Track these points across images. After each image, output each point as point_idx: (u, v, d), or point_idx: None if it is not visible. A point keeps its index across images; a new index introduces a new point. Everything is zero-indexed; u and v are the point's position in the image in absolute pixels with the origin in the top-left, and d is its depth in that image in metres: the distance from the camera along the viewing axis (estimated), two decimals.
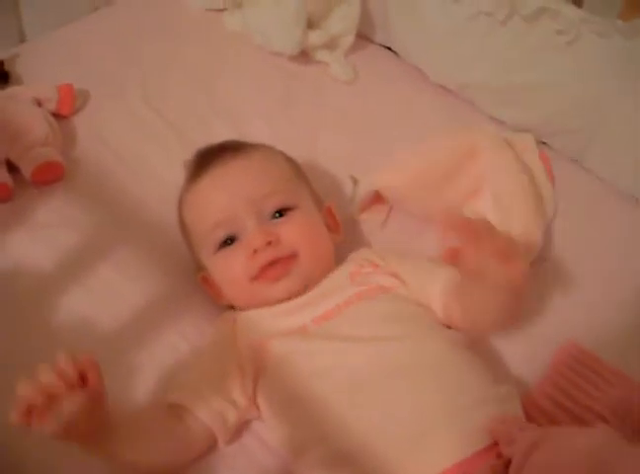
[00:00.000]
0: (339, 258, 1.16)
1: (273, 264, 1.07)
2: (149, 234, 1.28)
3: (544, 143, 1.42)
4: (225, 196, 1.11)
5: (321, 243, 1.13)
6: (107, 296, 1.19)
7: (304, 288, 1.08)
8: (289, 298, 1.08)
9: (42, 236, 1.27)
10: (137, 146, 1.43)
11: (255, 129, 1.45)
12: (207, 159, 1.16)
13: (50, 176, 1.34)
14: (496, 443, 0.89)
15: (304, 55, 1.59)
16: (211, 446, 1.01)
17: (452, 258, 0.91)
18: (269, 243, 1.07)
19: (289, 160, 1.20)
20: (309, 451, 0.95)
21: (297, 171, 1.19)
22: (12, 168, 1.35)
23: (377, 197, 1.27)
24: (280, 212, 1.11)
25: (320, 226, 1.15)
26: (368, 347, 1.00)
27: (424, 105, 1.51)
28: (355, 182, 1.30)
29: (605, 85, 1.29)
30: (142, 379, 1.09)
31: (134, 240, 1.27)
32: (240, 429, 1.04)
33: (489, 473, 0.87)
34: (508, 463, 0.87)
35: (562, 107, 1.36)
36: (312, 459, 0.95)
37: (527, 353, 1.13)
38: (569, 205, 1.32)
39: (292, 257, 1.08)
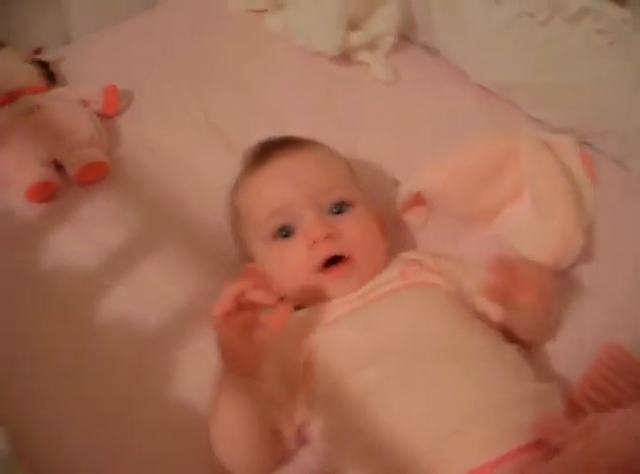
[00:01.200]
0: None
1: (334, 262, 1.07)
2: (191, 233, 1.29)
3: (587, 144, 1.41)
4: (286, 185, 1.10)
5: (377, 243, 1.12)
6: (149, 294, 1.21)
7: (362, 286, 1.08)
8: (348, 294, 1.08)
9: (86, 234, 1.29)
10: (180, 147, 1.44)
11: (296, 130, 1.43)
12: (270, 149, 1.16)
13: (96, 176, 1.36)
14: (537, 443, 0.88)
15: (345, 56, 1.59)
16: None
17: (491, 294, 0.98)
18: (328, 235, 1.06)
19: (345, 160, 1.20)
20: (346, 445, 0.95)
21: (352, 172, 1.19)
22: (58, 167, 1.37)
23: (418, 199, 1.27)
24: (340, 209, 1.10)
25: (375, 229, 1.14)
26: (412, 326, 1.00)
27: (465, 106, 1.50)
28: (396, 183, 1.30)
29: None
30: (185, 377, 1.10)
31: (177, 239, 1.28)
32: None
33: (530, 464, 0.86)
34: (556, 451, 0.85)
35: (603, 107, 1.35)
36: (349, 452, 0.95)
37: (570, 353, 1.12)
38: (611, 206, 1.31)
39: (351, 258, 1.07)
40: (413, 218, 1.30)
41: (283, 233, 1.09)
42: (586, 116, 1.38)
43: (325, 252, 1.06)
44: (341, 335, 1.03)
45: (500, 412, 0.91)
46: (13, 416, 1.05)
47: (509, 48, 1.42)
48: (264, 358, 0.94)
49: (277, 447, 1.00)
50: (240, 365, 0.94)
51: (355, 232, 1.08)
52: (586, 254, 1.22)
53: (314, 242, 1.06)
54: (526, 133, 1.30)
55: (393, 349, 0.98)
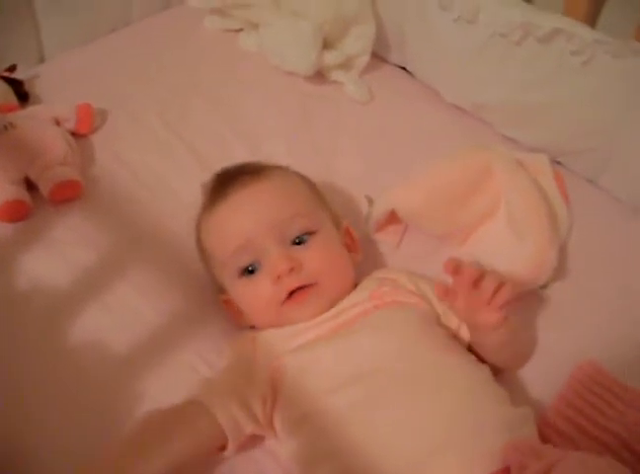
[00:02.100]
0: (357, 277, 1.16)
1: (297, 289, 1.07)
2: (166, 253, 1.28)
3: (559, 163, 1.42)
4: (246, 220, 1.09)
5: (342, 266, 1.13)
6: (124, 315, 1.19)
7: (328, 309, 1.08)
8: (315, 317, 1.08)
9: (60, 254, 1.28)
10: (155, 166, 1.43)
11: (272, 149, 1.45)
12: (226, 183, 1.14)
13: (69, 194, 1.35)
14: (508, 468, 0.88)
15: (320, 75, 1.60)
16: (219, 450, 1.01)
17: (444, 294, 1.00)
18: (292, 269, 1.06)
19: (306, 181, 1.19)
20: (321, 467, 0.95)
21: (315, 192, 1.19)
22: (30, 186, 1.36)
23: (392, 217, 1.27)
24: (301, 239, 1.09)
25: (341, 249, 1.14)
26: (384, 353, 1.00)
27: (439, 125, 1.51)
28: (370, 201, 1.30)
29: (621, 105, 1.29)
30: (160, 399, 1.08)
31: (151, 259, 1.28)
32: (253, 443, 1.04)
33: None
34: None
35: (577, 127, 1.36)
36: None
37: (544, 372, 1.12)
38: (584, 225, 1.32)
39: (314, 284, 1.08)
40: (387, 238, 1.30)
41: (249, 269, 1.09)
42: (559, 135, 1.39)
43: (288, 285, 1.07)
44: (311, 359, 1.02)
45: (473, 437, 0.91)
46: None
47: (482, 69, 1.44)
48: None
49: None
50: None
51: (318, 260, 1.08)
52: (558, 273, 1.23)
53: (278, 277, 1.06)
54: (500, 152, 1.30)
55: (366, 373, 0.98)
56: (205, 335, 1.17)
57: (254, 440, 1.04)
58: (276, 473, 1.03)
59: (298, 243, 1.09)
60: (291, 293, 1.07)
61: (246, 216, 1.10)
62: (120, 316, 1.19)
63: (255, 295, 1.09)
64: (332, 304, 1.08)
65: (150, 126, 1.51)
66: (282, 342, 1.06)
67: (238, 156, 1.41)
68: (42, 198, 1.35)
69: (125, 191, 1.39)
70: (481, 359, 1.06)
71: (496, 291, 0.98)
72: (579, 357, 1.12)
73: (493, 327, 1.01)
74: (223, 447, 1.01)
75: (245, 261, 1.09)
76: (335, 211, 1.21)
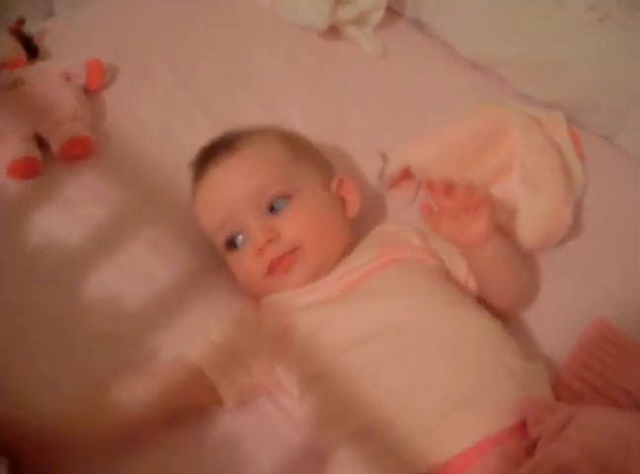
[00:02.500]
0: (365, 231, 1.17)
1: (279, 259, 1.08)
2: (178, 210, 1.28)
3: (574, 120, 1.40)
4: (222, 198, 1.12)
5: (327, 227, 1.12)
6: (136, 272, 1.20)
7: (318, 273, 1.09)
8: (309, 283, 1.09)
9: (71, 211, 1.27)
10: (166, 121, 1.42)
11: (284, 105, 1.44)
12: (203, 162, 1.16)
13: (79, 151, 1.34)
14: (524, 422, 0.89)
15: (334, 31, 1.57)
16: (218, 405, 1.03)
17: (428, 215, 1.02)
18: (270, 240, 1.07)
19: (287, 141, 1.18)
20: (336, 425, 0.96)
21: (296, 152, 1.17)
22: (41, 143, 1.35)
23: (407, 174, 1.27)
24: (278, 205, 1.10)
25: (325, 208, 1.14)
26: (397, 311, 1.00)
27: (453, 80, 1.50)
28: (384, 158, 1.29)
29: (637, 61, 1.27)
30: (171, 355, 1.09)
31: (163, 216, 1.27)
32: (267, 403, 1.06)
33: (514, 452, 0.87)
34: (534, 444, 0.86)
35: (593, 84, 1.35)
36: (339, 433, 0.95)
37: (557, 330, 1.13)
38: (599, 182, 1.31)
39: (296, 250, 1.08)
40: (401, 194, 1.29)
41: (234, 243, 1.11)
42: (574, 92, 1.38)
43: (269, 256, 1.08)
44: (323, 318, 1.03)
45: (488, 393, 0.91)
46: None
47: (497, 24, 1.42)
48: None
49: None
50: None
51: (296, 226, 1.09)
52: (573, 231, 1.22)
53: (260, 250, 1.07)
54: (515, 108, 1.29)
55: (379, 331, 0.98)
56: (217, 291, 1.18)
57: (268, 397, 1.05)
58: (291, 432, 1.03)
59: (275, 210, 1.10)
60: (273, 266, 1.08)
61: (221, 194, 1.12)
62: (132, 273, 1.20)
63: (241, 268, 1.12)
64: (320, 267, 1.09)
65: (161, 82, 1.50)
66: (290, 301, 1.07)
67: (249, 112, 1.41)
68: (53, 155, 1.34)
69: (136, 147, 1.38)
70: (491, 312, 1.06)
71: (469, 195, 1.00)
72: (592, 315, 1.12)
73: (480, 237, 1.02)
74: (217, 402, 1.03)
75: (227, 235, 1.12)
76: (326, 167, 1.20)
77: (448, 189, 1.00)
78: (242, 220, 1.10)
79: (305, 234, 1.09)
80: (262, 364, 1.03)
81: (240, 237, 1.11)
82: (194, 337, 1.08)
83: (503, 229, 1.19)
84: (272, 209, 1.10)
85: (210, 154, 1.16)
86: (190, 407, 1.03)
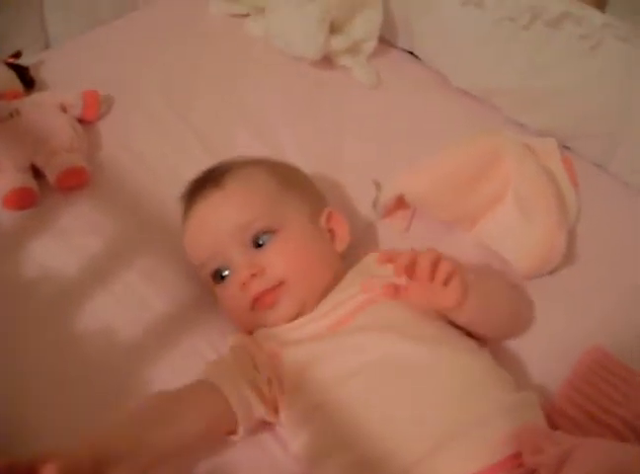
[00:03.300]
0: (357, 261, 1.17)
1: (263, 294, 1.08)
2: (174, 240, 1.27)
3: (568, 148, 1.41)
4: (208, 233, 1.12)
5: (312, 260, 1.11)
6: (131, 302, 1.19)
7: (304, 308, 1.09)
8: (294, 319, 1.09)
9: (67, 242, 1.27)
10: (161, 152, 1.43)
11: (278, 135, 1.45)
12: (191, 196, 1.17)
13: (75, 181, 1.35)
14: (516, 455, 0.88)
15: (327, 61, 1.58)
16: (227, 434, 1.02)
17: (394, 293, 0.97)
18: (253, 275, 1.07)
19: (276, 173, 1.17)
20: (328, 459, 0.95)
21: (284, 185, 1.16)
22: (37, 173, 1.35)
23: (400, 203, 1.27)
24: (263, 240, 1.10)
25: (312, 242, 1.13)
26: (386, 346, 0.99)
27: (446, 109, 1.50)
28: (378, 186, 1.30)
29: (630, 89, 1.28)
30: (168, 385, 1.07)
31: (159, 246, 1.27)
32: (263, 431, 1.05)
33: None
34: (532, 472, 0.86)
35: (586, 111, 1.35)
36: (331, 468, 0.95)
37: (550, 358, 1.12)
38: (593, 210, 1.31)
39: (280, 285, 1.08)
40: (395, 222, 1.29)
41: (219, 276, 1.12)
42: (568, 119, 1.38)
43: (253, 291, 1.08)
44: (312, 356, 1.02)
45: (478, 426, 0.91)
46: None
47: (490, 53, 1.43)
48: None
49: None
50: None
51: (280, 261, 1.09)
52: (567, 258, 1.22)
53: (243, 284, 1.08)
54: (508, 136, 1.29)
55: (368, 366, 0.98)
56: (213, 321, 1.17)
57: (264, 427, 1.05)
58: (287, 462, 1.03)
59: (260, 245, 1.10)
60: (257, 300, 1.08)
61: (207, 228, 1.12)
62: (128, 303, 1.19)
63: (227, 301, 1.12)
64: (305, 302, 1.09)
65: (156, 112, 1.51)
66: (279, 335, 1.07)
67: (244, 141, 1.42)
68: (49, 186, 1.34)
69: (132, 177, 1.38)
70: (480, 341, 1.06)
71: (434, 268, 0.96)
72: (586, 343, 1.12)
73: (453, 307, 0.99)
74: (232, 432, 1.01)
75: (214, 267, 1.12)
76: (316, 200, 1.20)
77: (411, 265, 0.96)
78: (227, 254, 1.10)
79: (290, 268, 1.08)
80: (267, 391, 1.02)
81: (227, 271, 1.11)
82: (198, 364, 1.08)
83: (496, 257, 1.20)
84: (257, 244, 1.10)
85: (198, 187, 1.16)
86: (204, 437, 1.01)
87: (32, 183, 1.33)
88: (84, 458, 0.84)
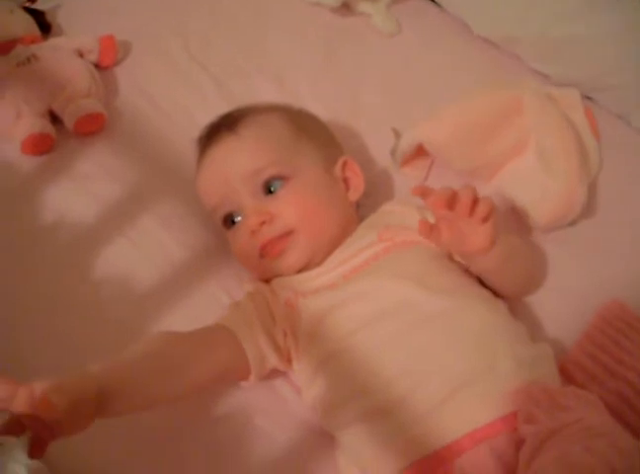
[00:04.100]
0: (373, 210, 1.17)
1: (271, 242, 1.08)
2: (189, 184, 1.27)
3: (590, 98, 1.39)
4: (220, 177, 1.12)
5: (323, 210, 1.11)
6: (148, 248, 1.20)
7: (313, 257, 1.08)
8: (305, 268, 1.08)
9: (84, 187, 1.28)
10: (178, 97, 1.43)
11: (296, 83, 1.43)
12: (206, 140, 1.16)
13: (93, 127, 1.35)
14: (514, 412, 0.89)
15: (346, 7, 1.56)
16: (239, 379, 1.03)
17: (428, 231, 0.96)
18: (263, 222, 1.07)
19: (292, 121, 1.16)
20: (345, 407, 0.96)
21: (300, 132, 1.15)
22: (54, 119, 1.36)
23: (419, 151, 1.26)
24: (274, 186, 1.09)
25: (323, 191, 1.12)
26: (402, 294, 0.99)
27: (467, 58, 1.48)
28: (397, 135, 1.28)
29: None
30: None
31: (176, 191, 1.28)
32: (276, 377, 1.06)
33: (511, 440, 0.88)
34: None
35: (609, 61, 1.33)
36: (347, 415, 0.95)
37: (569, 311, 1.12)
38: (614, 161, 1.29)
39: (288, 233, 1.08)
40: (413, 172, 1.28)
41: (231, 221, 1.12)
42: (590, 69, 1.36)
43: (262, 239, 1.08)
44: (328, 304, 1.02)
45: (493, 376, 0.91)
46: (6, 363, 1.06)
47: (515, 2, 1.40)
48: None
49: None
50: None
51: (291, 209, 1.08)
52: (588, 210, 1.21)
53: (253, 232, 1.07)
54: (531, 86, 1.27)
55: (383, 314, 0.98)
56: (229, 268, 1.18)
57: (278, 373, 1.06)
58: (300, 407, 1.04)
59: (271, 192, 1.09)
60: (266, 248, 1.08)
61: (219, 173, 1.12)
62: (144, 249, 1.20)
63: (237, 246, 1.12)
64: (315, 251, 1.08)
65: (173, 58, 1.50)
66: (295, 285, 1.07)
67: (261, 88, 1.41)
68: (66, 131, 1.35)
69: (149, 123, 1.38)
70: (495, 293, 1.06)
71: (474, 205, 0.94)
72: (605, 296, 1.12)
73: (483, 249, 0.97)
74: (243, 378, 1.02)
75: (225, 212, 1.12)
76: (331, 148, 1.19)
77: (451, 200, 0.94)
78: (238, 200, 1.10)
79: (300, 217, 1.08)
80: (282, 341, 1.03)
81: (238, 217, 1.11)
82: (213, 310, 1.09)
83: (515, 208, 1.19)
84: (268, 191, 1.09)
85: (213, 132, 1.16)
86: (216, 381, 1.03)
87: (49, 128, 1.33)
88: (90, 387, 0.83)
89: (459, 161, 1.24)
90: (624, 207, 1.25)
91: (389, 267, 1.04)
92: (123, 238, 1.21)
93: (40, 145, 1.31)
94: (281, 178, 1.09)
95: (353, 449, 0.96)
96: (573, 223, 1.21)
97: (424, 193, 0.95)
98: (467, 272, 1.07)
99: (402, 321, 0.97)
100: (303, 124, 1.17)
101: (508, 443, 0.88)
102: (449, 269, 1.05)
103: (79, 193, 1.27)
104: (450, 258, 1.07)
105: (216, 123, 1.18)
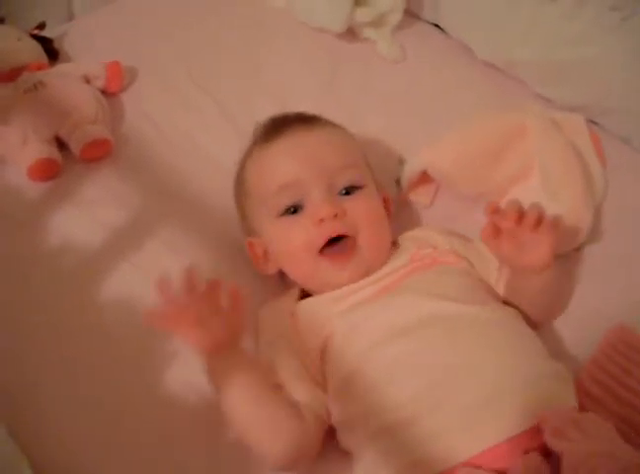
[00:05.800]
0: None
1: (336, 241, 1.06)
2: (195, 209, 1.29)
3: (595, 123, 1.39)
4: (297, 160, 1.09)
5: (383, 225, 1.12)
6: (152, 273, 1.18)
7: (368, 272, 1.07)
8: (356, 280, 1.07)
9: (90, 212, 1.29)
10: (183, 123, 1.43)
11: (299, 107, 1.42)
12: (284, 123, 1.15)
13: (99, 153, 1.36)
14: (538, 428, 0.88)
15: (351, 33, 1.57)
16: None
17: (491, 236, 1.00)
18: (335, 215, 1.05)
19: (356, 140, 1.19)
20: (365, 423, 0.95)
21: (364, 155, 1.17)
22: (60, 145, 1.36)
23: (424, 178, 1.26)
24: (349, 189, 1.09)
25: (382, 210, 1.13)
26: (430, 308, 0.99)
27: (472, 83, 1.49)
28: (401, 161, 1.29)
29: None
30: (190, 356, 1.08)
31: (180, 216, 1.28)
32: None
33: (537, 454, 0.86)
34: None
35: (614, 86, 1.33)
36: (367, 431, 0.94)
37: (574, 336, 1.12)
38: (620, 186, 1.29)
39: (354, 243, 1.07)
40: (419, 198, 1.28)
41: (291, 210, 1.08)
42: (596, 93, 1.36)
43: (330, 230, 1.06)
44: (360, 318, 1.01)
45: (522, 388, 0.91)
46: (12, 389, 1.07)
47: (516, 25, 1.41)
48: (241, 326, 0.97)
49: (303, 422, 0.97)
50: (218, 343, 0.95)
51: (362, 213, 1.08)
52: (594, 235, 1.21)
53: (321, 220, 1.05)
54: (535, 111, 1.28)
55: (414, 326, 0.97)
56: None
57: None
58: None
59: (345, 194, 1.09)
60: (329, 245, 1.06)
61: (299, 157, 1.10)
62: (149, 274, 1.18)
63: (293, 237, 1.08)
64: (370, 268, 1.07)
65: (178, 84, 1.51)
66: (327, 307, 1.05)
67: (265, 114, 1.40)
68: (73, 157, 1.35)
69: (155, 149, 1.39)
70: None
71: (540, 220, 0.99)
72: (611, 321, 1.10)
73: (542, 264, 1.00)
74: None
75: (288, 200, 1.08)
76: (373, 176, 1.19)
77: (520, 216, 0.98)
78: (308, 189, 1.07)
79: (369, 223, 1.08)
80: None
81: (299, 205, 1.08)
82: None
83: None
84: (344, 191, 1.09)
85: (293, 119, 1.15)
86: None
87: (56, 154, 1.34)
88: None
89: (464, 186, 1.24)
90: (630, 231, 1.24)
91: (420, 284, 1.04)
92: (128, 263, 1.21)
93: (46, 171, 1.32)
94: (358, 184, 1.10)
95: (371, 468, 0.94)
96: (579, 248, 1.20)
97: (494, 210, 0.99)
98: (494, 292, 1.08)
99: (433, 335, 0.97)
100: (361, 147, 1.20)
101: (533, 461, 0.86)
102: (478, 285, 1.06)
103: (85, 218, 1.28)
104: (478, 277, 1.08)
105: (293, 116, 1.18)
